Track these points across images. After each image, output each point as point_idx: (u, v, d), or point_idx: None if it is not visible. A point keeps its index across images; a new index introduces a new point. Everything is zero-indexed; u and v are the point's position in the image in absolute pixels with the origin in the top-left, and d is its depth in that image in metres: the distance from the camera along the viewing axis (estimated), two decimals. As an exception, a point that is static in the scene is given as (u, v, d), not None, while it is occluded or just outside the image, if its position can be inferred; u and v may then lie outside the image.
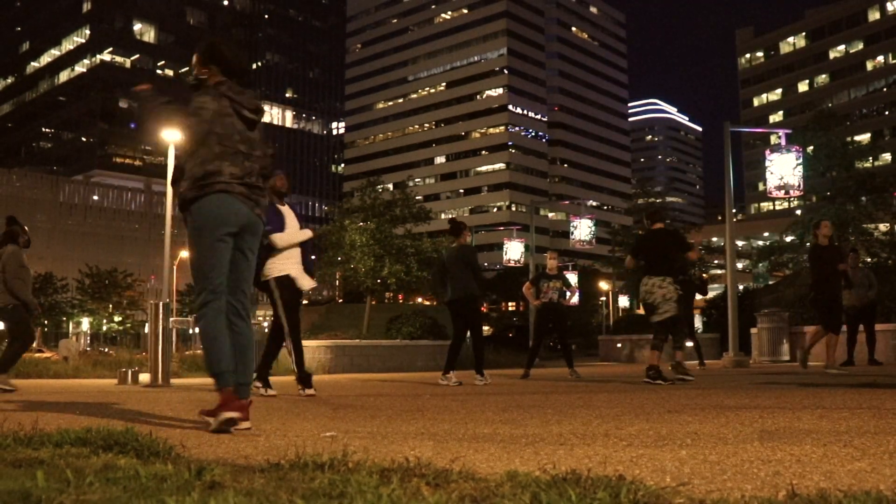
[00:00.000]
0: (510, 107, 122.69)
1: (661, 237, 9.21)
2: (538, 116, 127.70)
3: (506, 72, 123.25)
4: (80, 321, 56.77)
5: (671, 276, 8.97)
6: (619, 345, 24.82)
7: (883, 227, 34.28)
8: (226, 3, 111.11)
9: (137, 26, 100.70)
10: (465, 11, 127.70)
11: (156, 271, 76.50)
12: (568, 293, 12.23)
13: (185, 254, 64.82)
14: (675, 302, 8.94)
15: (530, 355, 12.32)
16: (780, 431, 3.50)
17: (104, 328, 58.01)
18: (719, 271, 52.75)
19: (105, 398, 7.28)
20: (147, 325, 11.46)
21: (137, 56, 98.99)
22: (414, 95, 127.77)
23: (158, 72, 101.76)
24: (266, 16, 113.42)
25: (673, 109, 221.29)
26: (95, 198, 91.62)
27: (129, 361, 15.19)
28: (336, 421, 4.56)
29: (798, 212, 48.34)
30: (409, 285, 36.32)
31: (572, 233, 26.16)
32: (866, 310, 13.02)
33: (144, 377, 11.42)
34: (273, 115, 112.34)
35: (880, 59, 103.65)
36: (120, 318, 58.37)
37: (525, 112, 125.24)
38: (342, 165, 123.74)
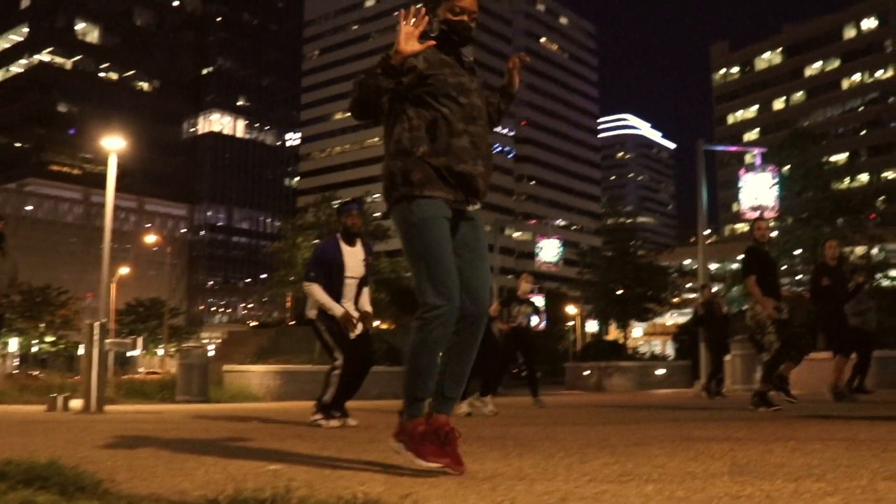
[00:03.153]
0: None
1: None
2: (504, 131, 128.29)
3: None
4: (7, 341, 55.69)
5: None
6: (586, 372, 24.88)
7: (859, 249, 34.83)
8: (175, 3, 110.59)
9: (80, 25, 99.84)
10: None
11: (93, 288, 75.61)
12: (537, 319, 12.23)
13: (124, 270, 64.16)
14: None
15: (493, 381, 12.19)
16: (750, 465, 3.50)
17: (34, 349, 57.15)
18: (691, 295, 53.22)
19: (31, 427, 7.14)
20: (82, 346, 11.25)
21: (80, 57, 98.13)
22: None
23: (101, 75, 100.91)
24: (218, 19, 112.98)
25: (645, 125, 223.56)
26: (29, 208, 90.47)
27: (60, 386, 14.96)
28: (283, 453, 4.50)
29: (773, 234, 48.98)
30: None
31: (538, 254, 26.32)
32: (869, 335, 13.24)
33: (76, 403, 11.21)
34: (224, 123, 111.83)
35: (856, 77, 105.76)
36: (52, 339, 57.57)
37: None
38: (296, 179, 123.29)
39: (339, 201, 36.70)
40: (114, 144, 16.95)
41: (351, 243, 7.29)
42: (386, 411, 10.03)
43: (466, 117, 3.57)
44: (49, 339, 58.08)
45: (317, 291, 7.12)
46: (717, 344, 14.97)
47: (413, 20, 3.44)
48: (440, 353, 3.49)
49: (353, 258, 7.25)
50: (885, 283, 33.04)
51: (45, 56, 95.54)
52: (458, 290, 3.42)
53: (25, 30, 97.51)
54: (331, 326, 7.10)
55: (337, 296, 7.12)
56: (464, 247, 3.57)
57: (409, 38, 3.41)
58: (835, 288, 10.45)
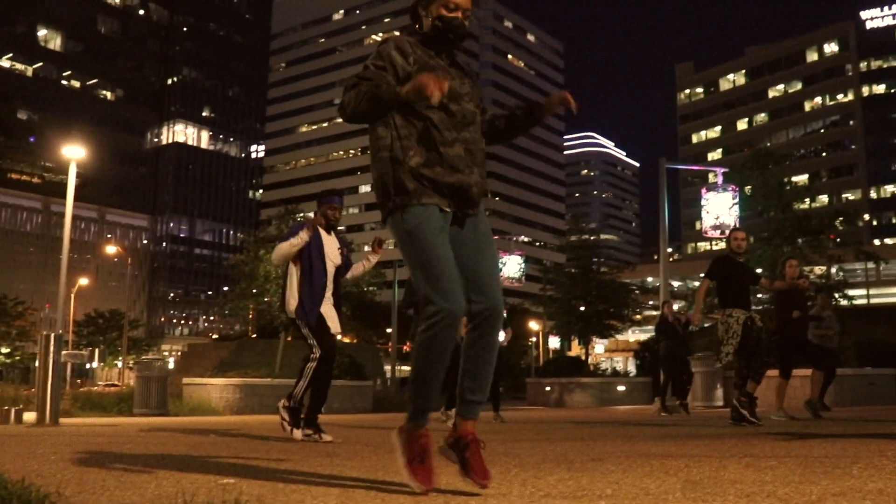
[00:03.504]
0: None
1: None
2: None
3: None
4: (-40, 353, 54.87)
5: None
6: (547, 388, 24.94)
7: (818, 269, 35.24)
8: (141, 12, 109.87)
9: (42, 32, 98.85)
10: (397, 34, 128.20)
11: (51, 299, 74.66)
12: (503, 333, 12.18)
13: (84, 280, 63.45)
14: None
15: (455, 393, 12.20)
16: (704, 482, 3.53)
17: (-11, 360, 56.27)
18: (653, 312, 53.56)
19: (-16, 437, 7.03)
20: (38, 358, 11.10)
21: (41, 64, 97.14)
22: (339, 119, 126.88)
23: (64, 82, 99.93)
24: (184, 28, 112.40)
25: (610, 143, 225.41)
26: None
27: (13, 398, 14.71)
28: (238, 467, 4.46)
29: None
30: None
31: (501, 269, 26.33)
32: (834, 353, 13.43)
33: (30, 416, 11.04)
34: (188, 134, 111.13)
35: (818, 100, 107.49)
36: (7, 350, 56.76)
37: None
38: (260, 191, 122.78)
39: (302, 215, 36.64)
40: (75, 153, 16.78)
41: (327, 233, 7.32)
42: (346, 426, 9.98)
43: (458, 124, 3.45)
44: (4, 350, 57.27)
45: (282, 245, 7.16)
46: (676, 360, 14.97)
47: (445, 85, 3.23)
48: (446, 360, 3.40)
49: (331, 246, 7.29)
50: (844, 302, 33.43)
51: (4, 62, 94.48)
52: (461, 291, 3.31)
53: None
54: (309, 322, 7.10)
55: (320, 279, 7.15)
56: (463, 244, 3.48)
57: (440, 88, 3.20)
58: (797, 305, 10.58)
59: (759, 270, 32.99)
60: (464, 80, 3.60)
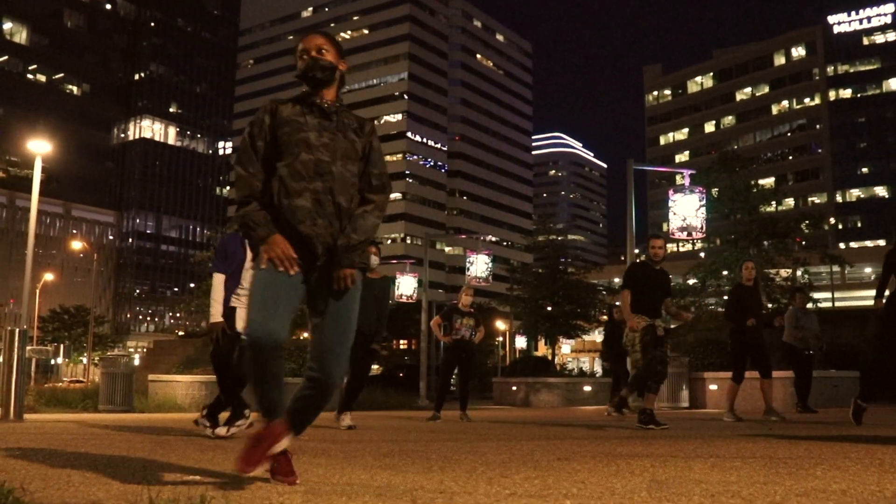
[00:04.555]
0: (409, 134, 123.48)
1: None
2: (438, 145, 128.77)
3: (406, 97, 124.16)
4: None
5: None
6: (514, 387, 24.97)
7: (784, 272, 35.59)
8: (108, 7, 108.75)
9: (7, 25, 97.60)
10: (367, 32, 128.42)
11: (15, 294, 73.75)
12: (477, 333, 12.18)
13: (49, 276, 62.72)
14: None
15: (440, 395, 12.22)
16: (669, 481, 3.55)
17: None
18: (620, 313, 53.70)
19: (-55, 434, 6.94)
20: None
21: (6, 58, 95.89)
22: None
23: (29, 76, 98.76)
24: (152, 24, 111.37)
25: (578, 144, 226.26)
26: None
27: (-23, 394, 14.51)
28: (203, 463, 4.43)
29: (702, 254, 49.88)
30: (293, 320, 35.86)
31: (468, 268, 26.34)
32: (815, 354, 13.53)
33: (-6, 411, 10.92)
34: (155, 130, 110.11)
35: (785, 103, 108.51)
36: (-29, 346, 56.07)
37: (424, 140, 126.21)
38: (227, 188, 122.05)
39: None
40: (40, 148, 16.57)
41: None
42: (316, 425, 9.93)
43: (309, 174, 3.49)
44: (-33, 345, 56.66)
45: (216, 282, 7.25)
46: (623, 359, 14.79)
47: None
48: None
49: None
50: (809, 305, 33.78)
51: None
52: (263, 322, 3.36)
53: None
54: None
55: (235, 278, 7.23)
56: (318, 306, 3.59)
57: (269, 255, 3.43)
58: (752, 308, 10.66)
59: (725, 272, 33.23)
60: (327, 123, 3.61)
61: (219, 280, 7.21)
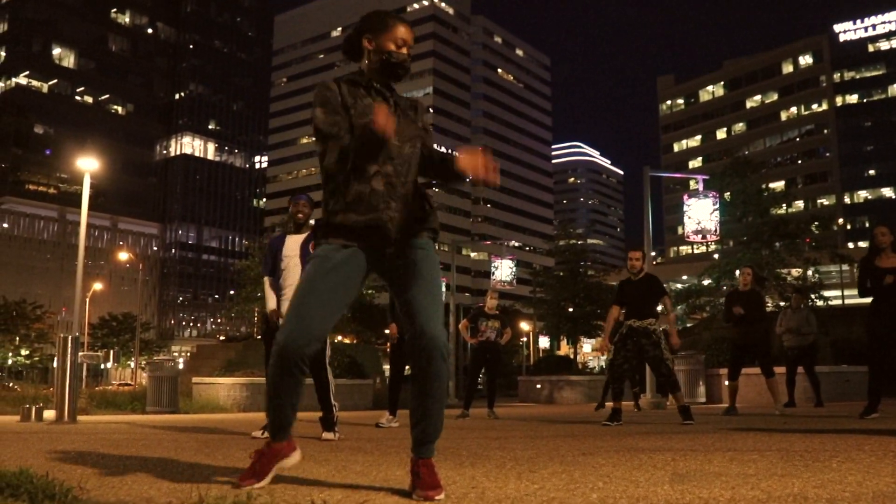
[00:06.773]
0: (434, 145, 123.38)
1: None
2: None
3: (431, 110, 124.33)
4: (-17, 354, 54.81)
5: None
6: (538, 385, 24.92)
7: (795, 272, 35.31)
8: (150, 31, 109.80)
9: (57, 51, 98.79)
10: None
11: (67, 303, 74.48)
12: (504, 333, 12.18)
13: (98, 285, 63.30)
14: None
15: (468, 394, 12.26)
16: (690, 474, 3.54)
17: (10, 361, 56.14)
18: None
19: (3, 436, 7.01)
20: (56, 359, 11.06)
21: (55, 81, 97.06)
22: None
23: (77, 98, 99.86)
24: (191, 46, 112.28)
25: (595, 152, 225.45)
26: (5, 225, 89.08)
27: (33, 397, 14.68)
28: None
29: (716, 256, 49.57)
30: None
31: (493, 273, 26.33)
32: (806, 351, 13.34)
33: (50, 414, 11.02)
34: (195, 146, 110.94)
35: (793, 109, 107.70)
36: (27, 352, 56.66)
37: (449, 151, 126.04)
38: (264, 200, 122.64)
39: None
40: (88, 165, 16.76)
41: (297, 232, 7.33)
42: (347, 423, 9.98)
43: (381, 157, 3.22)
44: (24, 351, 57.13)
45: (266, 284, 7.33)
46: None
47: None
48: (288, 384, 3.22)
49: (294, 242, 7.25)
50: (820, 303, 33.49)
51: (21, 79, 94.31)
52: (305, 329, 3.09)
53: (2, 54, 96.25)
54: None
55: (278, 278, 7.21)
56: (395, 280, 3.29)
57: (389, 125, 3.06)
58: (747, 313, 10.58)
59: (738, 272, 33.10)
60: (396, 109, 3.40)
61: (267, 283, 7.28)
